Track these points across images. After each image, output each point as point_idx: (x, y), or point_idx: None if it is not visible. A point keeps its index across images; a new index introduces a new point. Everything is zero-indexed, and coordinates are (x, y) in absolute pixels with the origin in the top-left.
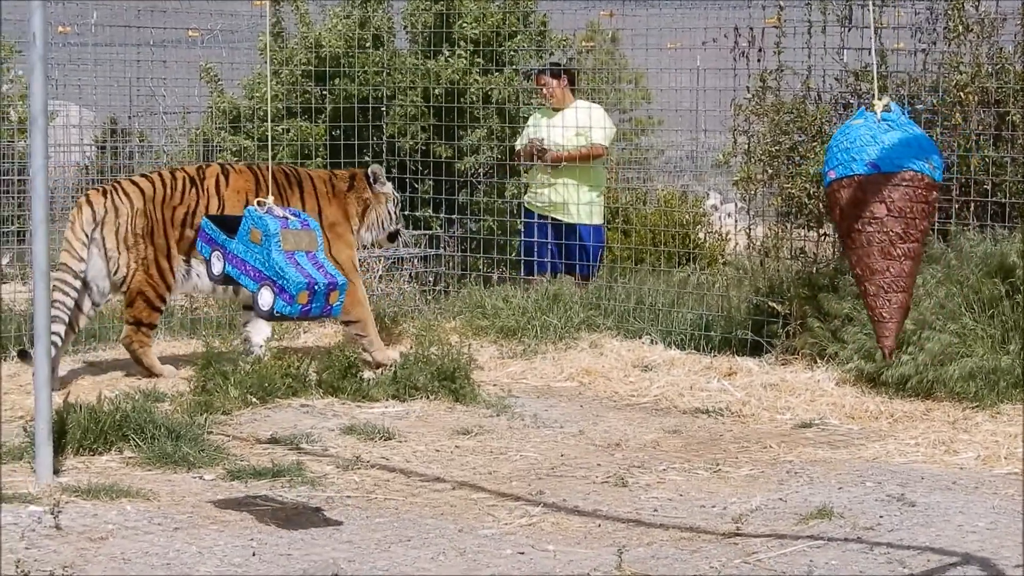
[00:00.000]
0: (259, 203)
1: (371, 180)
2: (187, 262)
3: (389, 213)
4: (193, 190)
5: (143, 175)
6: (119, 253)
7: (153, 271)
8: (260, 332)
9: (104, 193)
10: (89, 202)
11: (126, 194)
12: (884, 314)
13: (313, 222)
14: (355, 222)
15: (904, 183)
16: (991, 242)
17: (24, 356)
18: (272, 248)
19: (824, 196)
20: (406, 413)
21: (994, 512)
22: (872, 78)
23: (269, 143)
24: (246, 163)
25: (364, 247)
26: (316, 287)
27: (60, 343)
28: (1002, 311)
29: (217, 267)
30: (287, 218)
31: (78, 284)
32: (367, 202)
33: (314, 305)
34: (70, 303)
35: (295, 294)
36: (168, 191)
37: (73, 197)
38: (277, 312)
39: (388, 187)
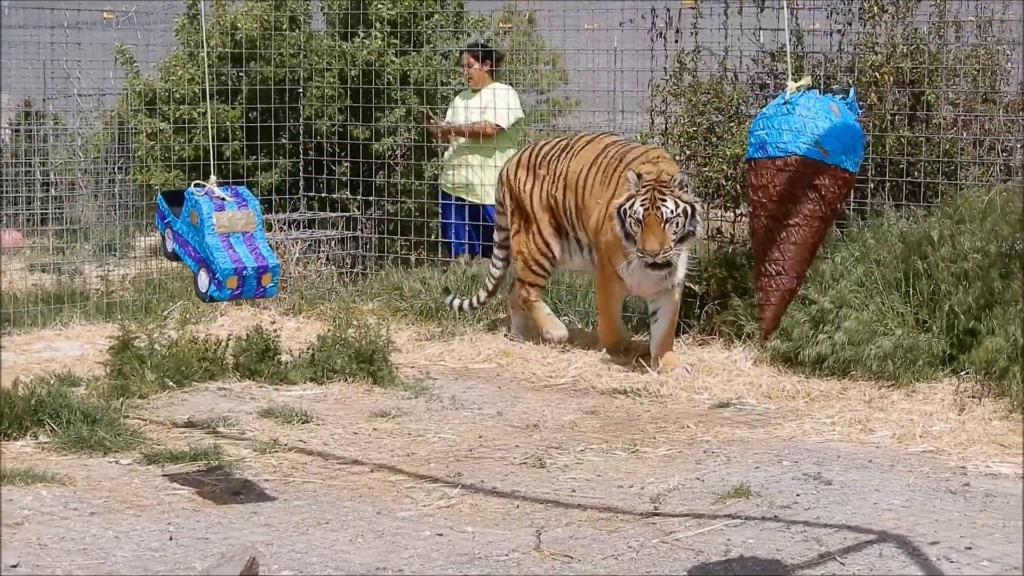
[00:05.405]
0: (196, 184)
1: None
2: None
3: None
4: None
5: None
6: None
7: (523, 236)
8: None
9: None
10: None
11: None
12: (763, 297)
13: (254, 202)
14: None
15: (788, 168)
16: (908, 221)
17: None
18: (205, 231)
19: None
20: (324, 396)
21: (909, 490)
22: (788, 59)
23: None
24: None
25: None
26: (245, 272)
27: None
28: (919, 290)
29: (169, 245)
30: (224, 199)
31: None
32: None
33: (244, 289)
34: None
35: (223, 280)
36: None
37: None
38: (209, 296)
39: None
